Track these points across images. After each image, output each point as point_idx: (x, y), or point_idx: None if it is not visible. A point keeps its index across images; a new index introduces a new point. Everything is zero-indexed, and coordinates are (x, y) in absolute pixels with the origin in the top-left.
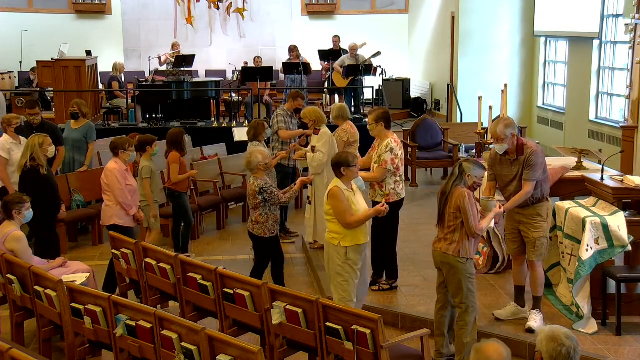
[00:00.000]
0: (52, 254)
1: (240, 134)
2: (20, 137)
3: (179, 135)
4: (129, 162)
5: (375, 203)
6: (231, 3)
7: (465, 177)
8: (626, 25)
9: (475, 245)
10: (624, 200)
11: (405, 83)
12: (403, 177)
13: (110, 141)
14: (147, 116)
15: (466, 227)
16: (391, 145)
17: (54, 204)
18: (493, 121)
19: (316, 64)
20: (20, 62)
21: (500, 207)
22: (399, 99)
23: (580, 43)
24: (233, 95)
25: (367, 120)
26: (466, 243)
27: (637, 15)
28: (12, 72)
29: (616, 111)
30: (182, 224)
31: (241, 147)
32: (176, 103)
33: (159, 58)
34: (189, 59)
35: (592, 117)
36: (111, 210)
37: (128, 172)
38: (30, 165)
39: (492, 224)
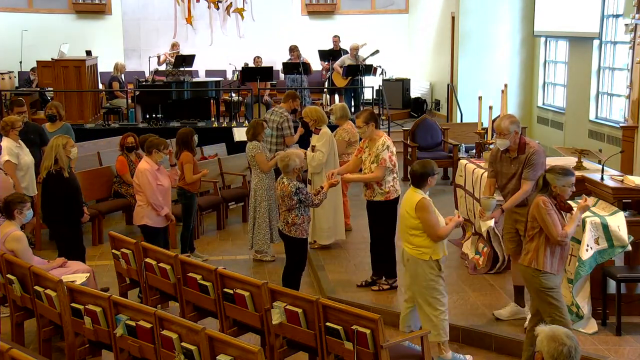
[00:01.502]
0: (75, 256)
1: (240, 133)
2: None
3: (189, 135)
4: (160, 164)
5: (372, 203)
6: (231, 3)
7: (550, 189)
8: (626, 25)
9: (562, 259)
10: (624, 200)
11: (405, 83)
12: (399, 173)
13: (109, 141)
14: (147, 116)
15: (548, 235)
16: (387, 143)
17: (77, 206)
18: (494, 121)
19: (316, 64)
20: (20, 62)
21: (585, 200)
22: (399, 99)
23: (580, 43)
24: (233, 95)
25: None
26: (542, 254)
27: (637, 15)
28: (12, 72)
29: (616, 111)
30: (182, 225)
31: (241, 147)
32: (176, 103)
33: (158, 57)
34: (188, 59)
35: (592, 117)
36: (143, 211)
37: (160, 171)
38: (54, 168)
39: (492, 224)
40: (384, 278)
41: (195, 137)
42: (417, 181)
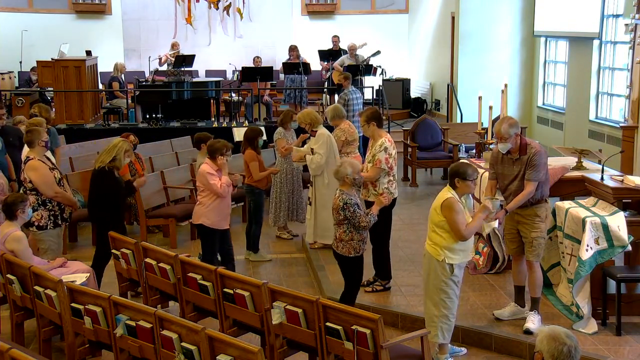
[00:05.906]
0: (98, 260)
1: (240, 133)
2: None
3: (257, 134)
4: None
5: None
6: (230, 3)
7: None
8: (626, 25)
9: None
10: (624, 200)
11: (405, 83)
12: (396, 176)
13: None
14: (147, 116)
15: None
16: (385, 144)
17: (117, 206)
18: (494, 121)
19: (316, 64)
20: (20, 62)
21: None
22: (399, 99)
23: (580, 43)
24: (233, 95)
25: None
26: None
27: (637, 15)
28: (12, 72)
29: (616, 111)
30: (254, 223)
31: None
32: (176, 103)
33: (159, 58)
34: (189, 59)
35: (592, 117)
36: (201, 210)
37: (219, 172)
38: (109, 165)
39: (496, 224)
40: (378, 280)
41: (261, 139)
42: (449, 180)
